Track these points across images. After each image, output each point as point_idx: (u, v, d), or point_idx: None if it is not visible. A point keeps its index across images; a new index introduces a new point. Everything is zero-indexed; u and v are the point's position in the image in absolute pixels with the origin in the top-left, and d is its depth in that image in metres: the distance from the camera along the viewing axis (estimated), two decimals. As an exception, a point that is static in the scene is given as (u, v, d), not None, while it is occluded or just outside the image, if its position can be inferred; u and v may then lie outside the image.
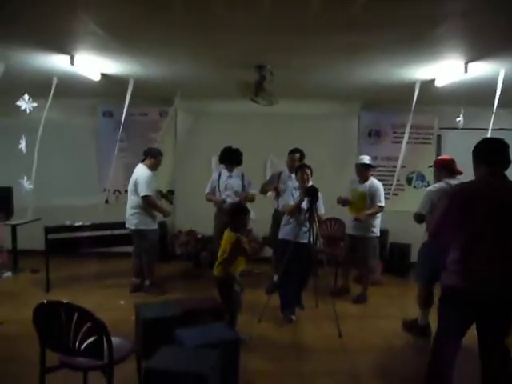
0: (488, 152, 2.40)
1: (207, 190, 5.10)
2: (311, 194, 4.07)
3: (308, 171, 4.27)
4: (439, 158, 3.96)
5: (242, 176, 5.08)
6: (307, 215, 4.10)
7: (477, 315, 2.35)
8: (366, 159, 4.77)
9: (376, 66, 4.34)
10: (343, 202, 4.78)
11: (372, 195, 4.68)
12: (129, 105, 5.31)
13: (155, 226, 4.90)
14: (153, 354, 2.53)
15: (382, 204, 4.71)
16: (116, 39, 3.62)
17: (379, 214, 4.76)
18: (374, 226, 4.73)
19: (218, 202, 4.96)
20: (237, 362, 2.94)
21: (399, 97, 5.26)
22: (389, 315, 4.40)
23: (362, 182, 4.75)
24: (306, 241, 4.15)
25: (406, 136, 5.30)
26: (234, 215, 3.70)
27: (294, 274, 4.16)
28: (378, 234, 4.81)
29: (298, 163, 4.74)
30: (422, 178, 6.40)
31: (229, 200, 4.94)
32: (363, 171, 4.74)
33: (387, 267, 5.93)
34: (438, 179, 3.79)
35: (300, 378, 3.10)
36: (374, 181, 4.79)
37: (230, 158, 4.99)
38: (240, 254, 3.57)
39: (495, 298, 2.26)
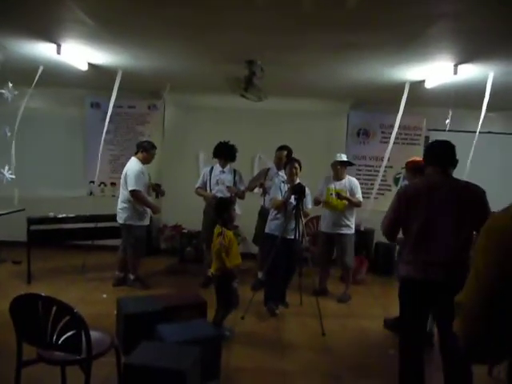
0: (438, 153, 2.61)
1: (198, 184, 5.04)
2: (298, 191, 4.07)
3: (297, 165, 4.27)
4: (410, 160, 4.04)
5: (234, 172, 5.05)
6: (294, 211, 4.10)
7: (430, 303, 2.54)
8: (344, 157, 4.80)
9: (367, 66, 4.33)
10: (319, 202, 4.77)
11: (352, 191, 4.75)
12: (117, 97, 5.23)
13: (143, 223, 4.80)
14: (133, 350, 2.51)
15: (361, 200, 4.83)
16: (105, 29, 3.55)
17: (355, 211, 4.84)
18: (352, 223, 4.79)
19: (209, 197, 4.91)
20: (218, 358, 2.93)
21: (389, 97, 5.27)
22: (372, 314, 4.43)
23: (339, 179, 4.77)
24: (292, 237, 4.16)
25: (393, 136, 5.33)
26: (218, 209, 3.66)
27: (280, 270, 4.17)
28: (354, 231, 4.87)
29: (284, 160, 4.74)
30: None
31: (220, 195, 4.90)
32: (342, 169, 4.77)
33: (372, 266, 5.96)
34: (410, 180, 3.91)
35: (282, 375, 3.10)
36: (351, 178, 4.88)
37: (226, 153, 4.94)
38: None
39: (442, 285, 2.44)
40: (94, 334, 2.21)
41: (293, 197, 4.12)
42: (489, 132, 5.48)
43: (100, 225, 5.31)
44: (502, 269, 0.86)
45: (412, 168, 3.89)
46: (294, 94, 5.96)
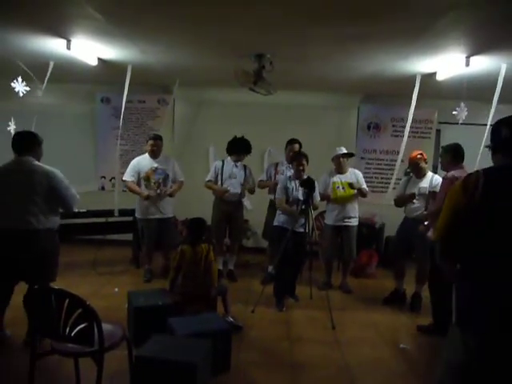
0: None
1: (209, 178, 5.02)
2: (308, 185, 4.06)
3: (304, 161, 4.24)
4: (419, 153, 4.37)
5: (245, 167, 5.06)
6: (303, 206, 4.09)
7: None
8: (344, 149, 4.79)
9: (377, 58, 4.29)
10: (327, 197, 4.76)
11: (358, 183, 4.77)
12: (127, 91, 5.25)
13: (144, 216, 4.84)
14: (144, 342, 2.54)
15: (367, 189, 4.87)
16: (114, 24, 3.56)
17: (357, 203, 4.83)
18: (357, 215, 4.83)
19: (221, 191, 4.89)
20: (228, 352, 2.95)
21: (400, 90, 5.22)
22: (382, 308, 4.42)
23: (343, 172, 4.76)
24: (302, 230, 4.16)
25: (407, 129, 5.26)
26: (192, 229, 3.60)
27: (290, 263, 4.17)
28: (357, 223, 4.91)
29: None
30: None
31: (232, 190, 4.90)
32: (345, 161, 4.76)
33: (382, 260, 5.93)
34: (418, 175, 4.36)
35: (292, 369, 3.10)
36: (354, 170, 4.91)
37: (242, 148, 4.95)
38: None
39: None
40: (105, 327, 2.24)
41: (301, 191, 4.11)
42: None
43: (111, 219, 5.37)
44: (452, 211, 1.73)
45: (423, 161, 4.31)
46: (303, 88, 5.93)
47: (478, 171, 1.73)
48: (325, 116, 6.29)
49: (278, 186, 4.40)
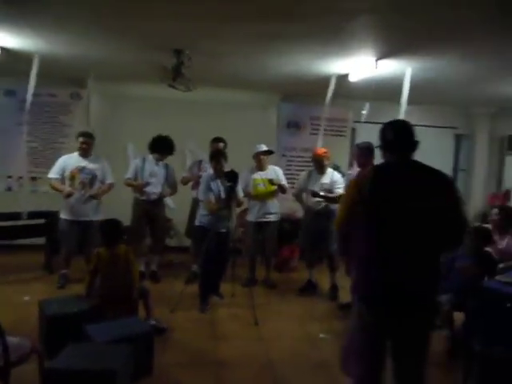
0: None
1: (128, 175, 4.83)
2: (232, 178, 4.05)
3: (222, 160, 4.22)
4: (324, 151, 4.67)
5: (167, 166, 4.94)
6: (226, 199, 4.08)
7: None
8: (265, 147, 4.87)
9: (294, 58, 4.40)
10: (249, 194, 4.82)
11: (280, 178, 4.88)
12: (35, 84, 4.86)
13: (63, 216, 4.60)
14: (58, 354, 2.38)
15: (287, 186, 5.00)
16: (15, 11, 3.27)
17: (277, 199, 4.96)
18: (278, 211, 4.94)
19: (140, 185, 4.73)
20: (151, 355, 2.87)
21: (317, 90, 5.40)
22: (303, 300, 4.57)
23: (263, 169, 4.84)
24: (224, 230, 4.14)
25: (322, 128, 5.48)
26: (105, 231, 3.48)
27: (214, 263, 4.14)
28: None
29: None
30: (336, 169, 6.67)
31: (153, 189, 4.77)
32: (265, 158, 4.84)
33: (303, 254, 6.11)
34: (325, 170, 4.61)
35: (216, 368, 3.08)
36: (274, 167, 5.02)
37: (165, 148, 4.82)
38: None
39: None
40: (11, 340, 2.07)
41: (223, 190, 4.10)
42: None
43: (19, 223, 4.96)
44: (348, 205, 1.97)
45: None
46: (223, 85, 5.92)
47: (369, 168, 2.03)
48: (245, 114, 6.32)
49: (201, 186, 4.28)
